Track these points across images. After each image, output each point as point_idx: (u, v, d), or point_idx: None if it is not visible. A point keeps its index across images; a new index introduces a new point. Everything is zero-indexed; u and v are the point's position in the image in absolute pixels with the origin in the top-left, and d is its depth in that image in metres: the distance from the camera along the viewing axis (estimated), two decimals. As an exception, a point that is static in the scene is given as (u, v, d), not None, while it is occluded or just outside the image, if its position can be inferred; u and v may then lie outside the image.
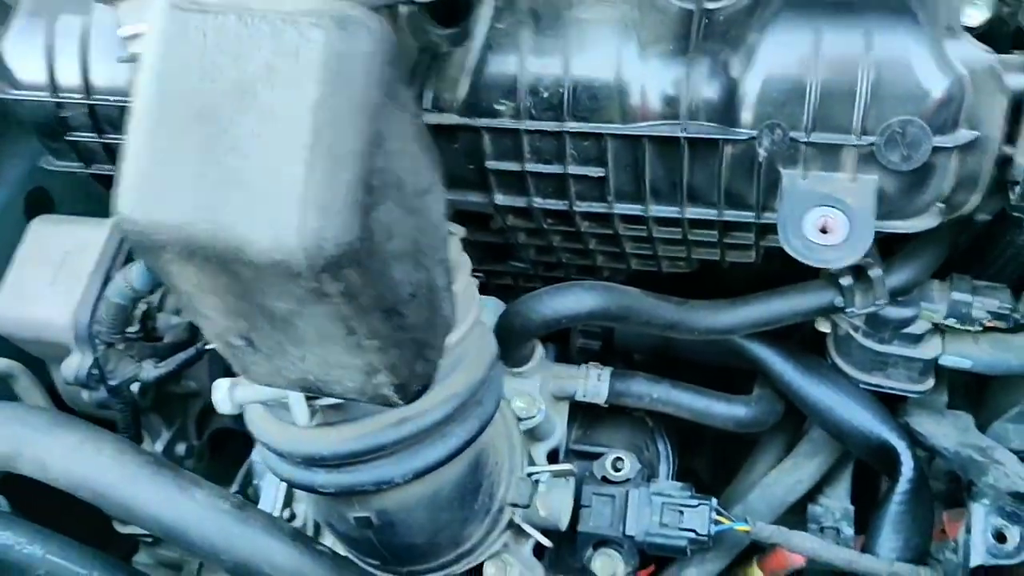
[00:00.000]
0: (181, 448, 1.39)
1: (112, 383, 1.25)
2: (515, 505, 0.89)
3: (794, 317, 0.96)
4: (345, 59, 0.51)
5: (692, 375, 1.13)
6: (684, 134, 0.79)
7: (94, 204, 1.58)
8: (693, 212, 0.84)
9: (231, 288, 0.54)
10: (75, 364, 1.28)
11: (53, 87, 0.93)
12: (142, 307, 1.26)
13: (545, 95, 0.81)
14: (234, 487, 1.11)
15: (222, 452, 1.48)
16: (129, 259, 1.29)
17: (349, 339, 0.56)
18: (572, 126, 0.81)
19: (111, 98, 0.93)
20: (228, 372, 1.47)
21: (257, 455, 1.05)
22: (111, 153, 0.98)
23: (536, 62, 0.81)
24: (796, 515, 1.15)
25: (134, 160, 0.53)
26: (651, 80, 0.80)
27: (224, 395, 0.70)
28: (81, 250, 1.34)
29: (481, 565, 0.94)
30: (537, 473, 0.93)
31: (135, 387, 1.28)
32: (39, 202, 1.55)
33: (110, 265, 1.29)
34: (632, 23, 0.80)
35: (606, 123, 0.81)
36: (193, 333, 1.33)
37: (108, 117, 0.95)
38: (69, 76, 0.93)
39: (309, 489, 0.76)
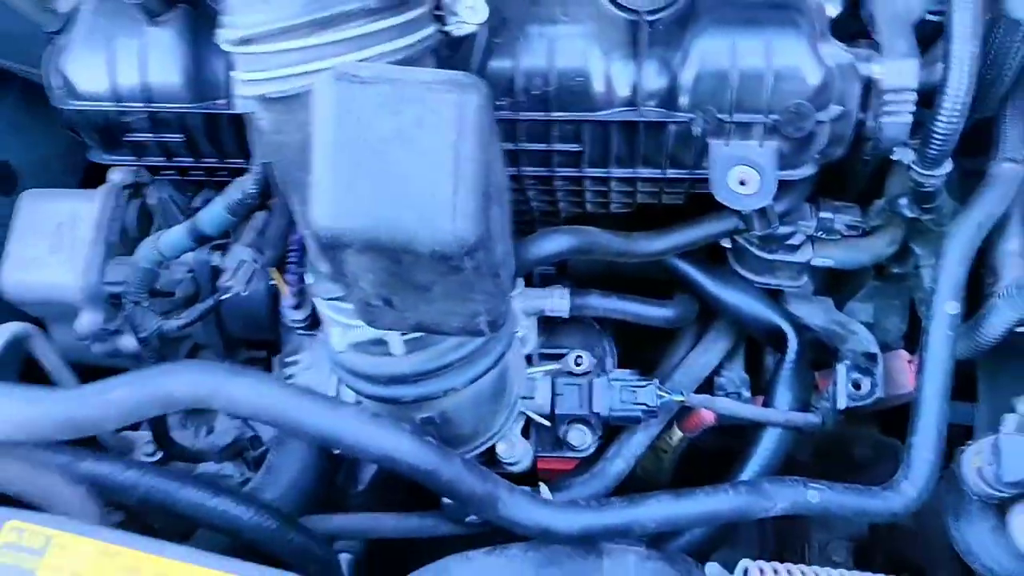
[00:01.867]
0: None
1: (141, 336, 1.46)
2: (525, 397, 1.19)
3: (709, 239, 1.27)
4: (468, 111, 0.76)
5: (621, 286, 1.45)
6: (641, 118, 1.08)
7: (56, 175, 1.73)
8: (644, 172, 1.14)
9: (389, 268, 0.80)
10: (87, 321, 1.47)
11: (116, 98, 1.12)
12: (152, 268, 1.45)
13: (535, 93, 1.08)
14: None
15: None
16: (124, 229, 1.48)
17: (467, 295, 0.83)
18: (556, 115, 1.09)
19: (168, 105, 1.12)
20: (218, 317, 1.65)
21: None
22: (163, 148, 1.18)
23: (527, 67, 1.08)
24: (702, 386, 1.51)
25: (322, 186, 0.77)
26: (614, 77, 1.08)
27: (339, 338, 0.96)
28: (73, 220, 1.52)
29: (493, 445, 1.24)
30: (533, 372, 1.23)
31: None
32: (4, 175, 1.69)
33: (107, 232, 1.48)
34: (595, 35, 1.08)
35: (582, 111, 1.08)
36: (198, 288, 1.54)
37: (164, 120, 1.14)
38: (131, 89, 1.11)
39: (393, 401, 1.03)
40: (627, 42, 1.08)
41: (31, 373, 1.36)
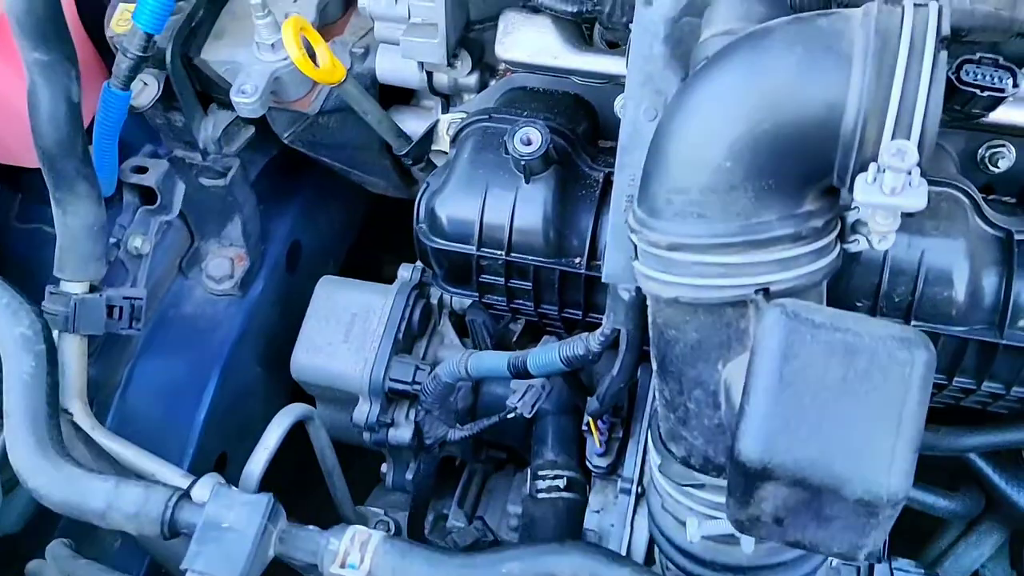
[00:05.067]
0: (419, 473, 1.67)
1: (427, 442, 1.52)
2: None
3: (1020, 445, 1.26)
4: (918, 370, 0.77)
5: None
6: (1003, 341, 1.08)
7: (325, 259, 1.84)
8: (990, 387, 1.14)
9: (803, 500, 0.81)
10: (365, 411, 1.55)
11: (479, 243, 1.18)
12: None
13: (897, 299, 1.09)
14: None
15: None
16: (409, 326, 1.55)
17: (867, 532, 0.84)
18: (915, 324, 1.10)
19: (528, 257, 1.18)
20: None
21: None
22: (509, 292, 1.23)
23: (894, 273, 1.09)
24: None
25: (759, 418, 0.79)
26: (980, 294, 1.08)
27: (694, 529, 0.99)
28: (366, 313, 1.61)
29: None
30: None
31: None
32: (294, 254, 1.81)
33: (396, 330, 1.55)
34: (965, 251, 1.08)
35: (942, 324, 1.09)
36: (475, 398, 1.59)
37: (520, 269, 1.20)
38: (496, 238, 1.17)
39: (714, 585, 1.05)
40: (998, 260, 1.08)
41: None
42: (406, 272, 1.60)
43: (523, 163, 1.12)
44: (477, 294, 1.26)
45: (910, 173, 0.80)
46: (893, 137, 0.81)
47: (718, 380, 0.95)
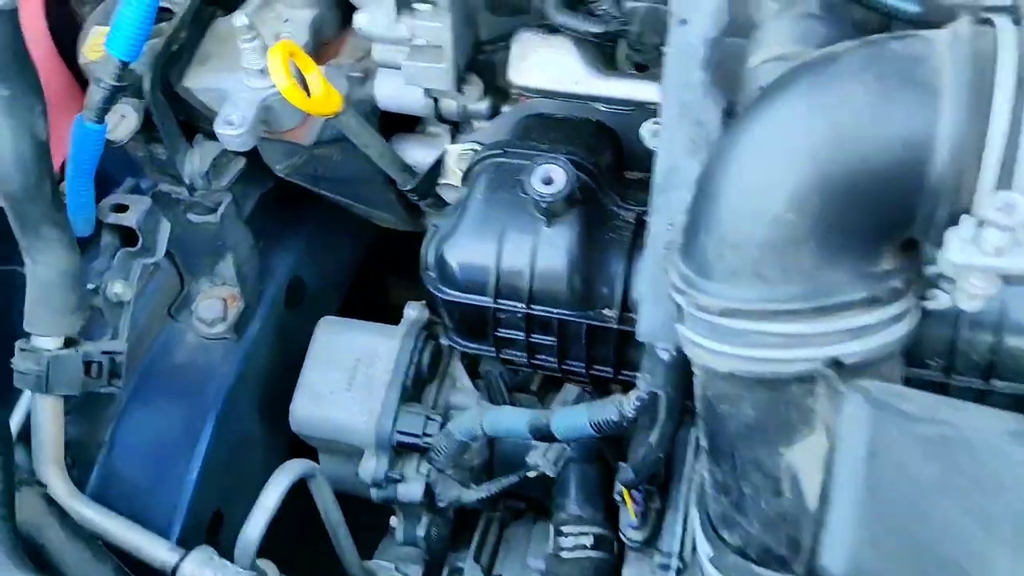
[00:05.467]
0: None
1: (440, 505, 1.39)
2: None
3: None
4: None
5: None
6: None
7: (329, 296, 1.71)
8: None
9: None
10: (373, 466, 1.42)
11: (496, 294, 1.04)
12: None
13: (975, 359, 0.95)
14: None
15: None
16: (418, 371, 1.42)
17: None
18: (998, 385, 0.96)
19: (551, 310, 1.04)
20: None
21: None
22: (530, 347, 1.09)
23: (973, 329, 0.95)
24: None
25: (843, 530, 0.66)
26: None
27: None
28: (371, 358, 1.48)
29: None
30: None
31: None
32: (295, 290, 1.67)
33: (404, 376, 1.42)
34: None
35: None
36: (491, 451, 1.46)
37: (542, 323, 1.06)
38: (515, 288, 1.04)
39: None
40: None
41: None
42: (413, 311, 1.47)
43: (544, 205, 0.99)
44: (494, 349, 1.12)
45: (1016, 230, 0.67)
46: (997, 186, 0.67)
47: (779, 464, 0.81)
